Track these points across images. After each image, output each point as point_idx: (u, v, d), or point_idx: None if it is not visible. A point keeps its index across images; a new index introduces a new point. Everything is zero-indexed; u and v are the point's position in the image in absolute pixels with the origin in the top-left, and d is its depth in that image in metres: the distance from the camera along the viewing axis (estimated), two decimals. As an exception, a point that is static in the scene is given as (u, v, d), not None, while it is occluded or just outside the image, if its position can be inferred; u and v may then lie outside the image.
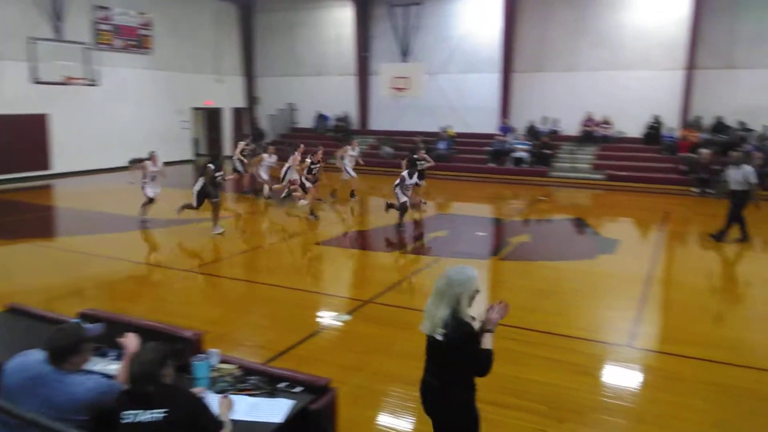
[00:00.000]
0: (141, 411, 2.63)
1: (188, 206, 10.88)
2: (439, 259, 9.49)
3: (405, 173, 11.34)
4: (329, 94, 25.14)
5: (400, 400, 4.93)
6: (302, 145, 14.04)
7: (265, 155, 14.66)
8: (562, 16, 20.98)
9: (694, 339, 6.31)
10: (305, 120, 25.89)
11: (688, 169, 17.37)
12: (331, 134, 24.41)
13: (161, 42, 22.09)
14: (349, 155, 14.93)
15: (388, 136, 22.51)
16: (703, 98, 19.19)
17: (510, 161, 20.12)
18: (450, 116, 22.48)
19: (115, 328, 3.66)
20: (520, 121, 21.57)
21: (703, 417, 4.70)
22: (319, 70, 25.43)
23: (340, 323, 6.72)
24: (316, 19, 25.22)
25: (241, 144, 16.42)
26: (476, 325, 3.16)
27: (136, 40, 21.16)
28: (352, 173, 14.84)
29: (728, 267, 9.73)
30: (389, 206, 11.55)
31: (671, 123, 19.40)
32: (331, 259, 9.86)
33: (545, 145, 20.00)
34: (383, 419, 4.70)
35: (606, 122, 20.31)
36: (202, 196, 10.70)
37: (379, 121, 24.64)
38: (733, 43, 18.82)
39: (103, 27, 19.93)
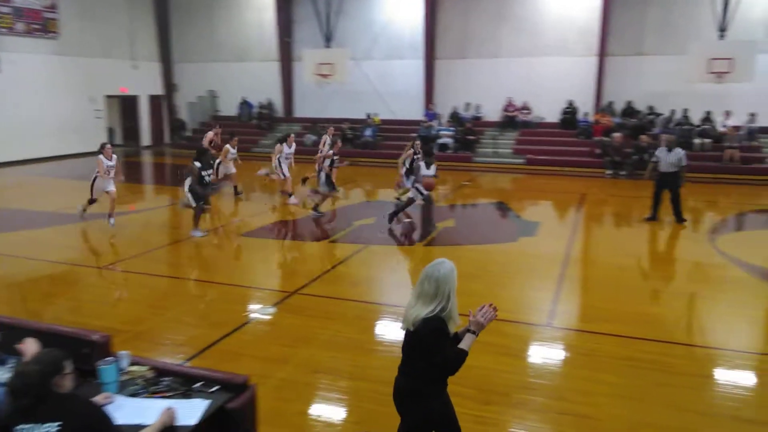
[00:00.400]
0: (33, 425, 2.44)
1: (188, 206, 9.99)
2: (366, 246, 9.48)
3: (422, 163, 10.19)
4: (252, 81, 24.52)
5: (326, 391, 4.90)
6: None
7: (284, 145, 13.09)
8: (484, 3, 21.33)
9: (608, 316, 6.61)
10: (228, 108, 25.16)
11: (602, 152, 18.18)
12: (256, 122, 23.87)
13: (69, 25, 20.79)
14: (285, 154, 13.10)
15: (314, 124, 22.22)
16: (615, 84, 20.08)
17: (435, 147, 20.34)
18: (376, 103, 22.47)
19: (16, 333, 3.41)
20: (444, 108, 21.84)
21: (615, 390, 4.93)
22: (240, 55, 24.74)
23: (265, 316, 6.59)
24: (236, 1, 24.48)
25: (210, 134, 14.65)
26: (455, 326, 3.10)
27: (40, 24, 19.79)
28: (287, 173, 13.07)
29: (641, 246, 10.21)
30: (407, 204, 10.53)
31: (586, 108, 20.19)
32: (258, 250, 9.64)
33: (469, 131, 20.36)
34: (310, 411, 4.64)
35: (526, 108, 20.90)
36: (195, 194, 9.73)
37: (304, 109, 24.29)
38: (642, 31, 19.78)
39: (2, 10, 18.52)
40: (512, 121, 20.80)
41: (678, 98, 18.85)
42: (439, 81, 22.44)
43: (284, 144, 13.21)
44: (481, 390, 4.84)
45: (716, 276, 8.46)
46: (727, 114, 18.33)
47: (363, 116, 21.92)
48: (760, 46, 17.62)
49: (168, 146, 25.39)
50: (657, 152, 11.14)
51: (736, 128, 17.94)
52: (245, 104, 24.57)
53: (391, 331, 6.15)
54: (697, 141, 18.09)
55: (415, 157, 11.87)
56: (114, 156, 10.44)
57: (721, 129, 18.18)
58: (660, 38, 19.53)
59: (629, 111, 19.62)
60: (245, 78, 24.57)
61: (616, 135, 17.95)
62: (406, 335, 3.10)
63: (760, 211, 13.07)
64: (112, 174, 10.34)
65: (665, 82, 19.08)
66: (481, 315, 3.06)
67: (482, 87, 21.53)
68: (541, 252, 9.36)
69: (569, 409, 4.64)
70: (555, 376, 5.33)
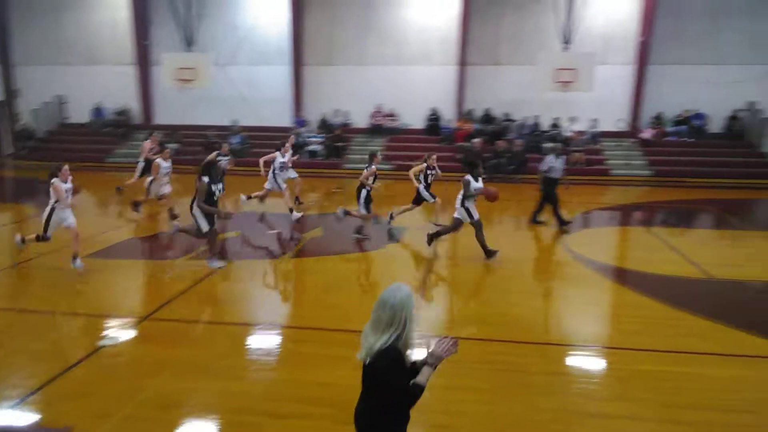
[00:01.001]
0: None
1: (188, 231, 8.85)
2: (227, 262, 9.05)
3: (469, 178, 8.89)
4: (106, 86, 22.85)
5: (177, 429, 4.52)
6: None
7: (277, 153, 11.92)
8: (349, 12, 21.53)
9: (470, 319, 6.80)
10: (79, 114, 23.21)
11: (464, 157, 18.98)
12: (110, 129, 22.21)
13: None
14: (279, 163, 11.94)
15: (174, 131, 21.09)
16: (474, 92, 21.12)
17: (304, 154, 20.13)
18: (243, 109, 21.83)
19: None
20: (313, 114, 21.71)
21: (479, 396, 5.02)
22: (92, 58, 22.97)
23: (111, 346, 6.01)
24: (85, 0, 22.66)
25: (147, 144, 13.11)
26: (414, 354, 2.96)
27: None
28: (283, 186, 12.01)
29: (501, 247, 10.65)
30: (453, 228, 9.33)
31: (449, 115, 21.02)
32: (108, 271, 8.84)
33: (338, 137, 20.38)
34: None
35: (392, 115, 21.33)
36: (208, 216, 8.43)
37: (165, 115, 23.04)
38: (498, 42, 20.99)
39: None
40: (380, 127, 21.12)
41: (530, 106, 20.21)
42: (308, 87, 22.29)
43: (278, 152, 12.01)
44: (339, 408, 4.69)
45: (566, 274, 9.05)
46: (573, 120, 19.93)
47: (229, 123, 21.21)
48: (599, 58, 19.36)
49: (11, 157, 22.88)
50: (548, 160, 11.70)
51: (581, 133, 19.56)
52: (98, 110, 22.78)
53: (255, 352, 5.87)
54: (546, 145, 19.43)
55: (429, 172, 11.30)
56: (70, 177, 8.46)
57: (567, 134, 19.71)
58: (513, 49, 20.83)
59: (487, 118, 20.69)
60: (98, 82, 22.83)
61: (477, 140, 18.83)
62: (363, 366, 2.91)
63: (602, 209, 14.24)
64: (70, 200, 8.36)
65: (519, 90, 20.36)
66: (441, 348, 2.93)
67: (350, 94, 21.70)
68: (407, 258, 9.51)
69: (434, 420, 4.62)
70: (418, 386, 5.35)
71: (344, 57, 21.90)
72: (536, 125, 20.12)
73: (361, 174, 10.47)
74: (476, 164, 9.20)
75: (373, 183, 10.47)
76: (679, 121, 20.40)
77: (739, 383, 5.37)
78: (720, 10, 19.90)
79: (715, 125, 20.42)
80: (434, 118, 21.05)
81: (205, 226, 8.44)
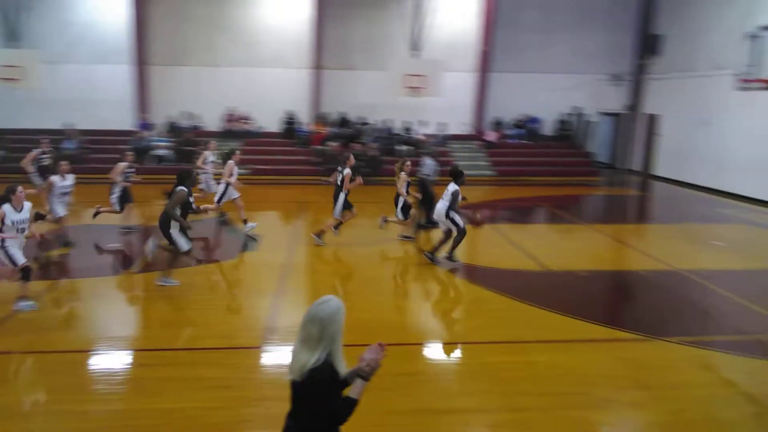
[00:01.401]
0: None
1: (168, 248, 7.92)
2: (58, 282, 8.25)
3: (457, 188, 8.91)
4: None
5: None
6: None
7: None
8: (199, 11, 20.70)
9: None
10: None
11: (320, 161, 19.03)
12: None
13: None
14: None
15: (1, 135, 18.86)
16: (330, 95, 21.25)
17: (151, 159, 18.96)
18: (80, 111, 20.03)
19: None
20: (160, 117, 20.53)
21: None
22: None
23: None
24: None
25: (33, 153, 12.16)
26: (343, 369, 2.82)
27: None
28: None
29: (360, 250, 10.79)
30: (460, 238, 9.08)
31: (305, 118, 20.97)
32: None
33: (188, 141, 19.43)
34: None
35: (246, 118, 20.81)
36: (185, 233, 7.70)
37: (-14, 118, 20.50)
38: (351, 47, 21.30)
39: None
40: (233, 131, 20.51)
41: (383, 109, 20.75)
42: (154, 89, 21.04)
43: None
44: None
45: (419, 274, 9.38)
46: (423, 124, 20.79)
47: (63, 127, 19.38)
48: (446, 65, 20.35)
49: None
50: (427, 163, 12.28)
51: (431, 136, 20.45)
52: None
53: (92, 382, 5.39)
54: (400, 148, 20.10)
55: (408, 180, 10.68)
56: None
57: (418, 137, 20.51)
58: (366, 54, 21.27)
59: (343, 121, 20.92)
60: None
61: (332, 144, 18.96)
62: (292, 385, 2.77)
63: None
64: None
65: (372, 94, 20.80)
66: (372, 358, 2.83)
67: (201, 96, 20.85)
68: (262, 267, 9.29)
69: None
70: (275, 403, 5.22)
71: (194, 57, 20.96)
72: (389, 129, 20.71)
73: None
74: (461, 174, 9.19)
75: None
76: (517, 125, 22.10)
77: (568, 366, 5.90)
78: (550, 24, 21.86)
79: (549, 128, 22.41)
80: (290, 122, 20.87)
81: (183, 245, 7.71)
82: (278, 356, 6.00)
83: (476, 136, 21.76)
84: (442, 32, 21.13)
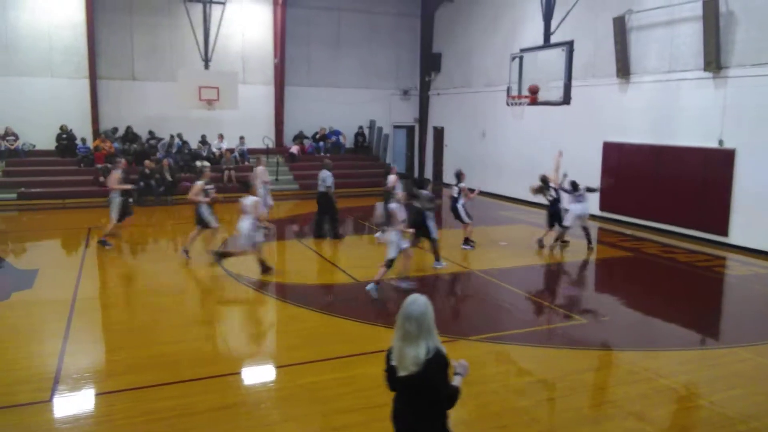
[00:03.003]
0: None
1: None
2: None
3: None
4: None
5: None
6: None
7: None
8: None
9: (122, 368, 6.07)
10: None
11: (106, 180, 17.28)
12: None
13: None
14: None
15: None
16: (112, 108, 19.44)
17: None
18: None
19: None
20: None
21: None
22: None
23: None
24: None
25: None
26: None
27: None
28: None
29: (156, 277, 9.93)
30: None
31: (84, 133, 18.89)
32: None
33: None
34: None
35: (11, 134, 18.11)
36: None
37: None
38: (132, 56, 19.70)
39: None
40: (-6, 149, 17.73)
41: (175, 123, 19.57)
42: None
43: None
44: None
45: (225, 297, 8.92)
46: (221, 137, 20.03)
47: None
48: (241, 77, 19.89)
49: None
50: (325, 175, 12.32)
51: (230, 150, 19.78)
52: None
53: None
54: (198, 164, 19.09)
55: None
56: None
57: (216, 152, 19.72)
58: (151, 64, 19.88)
59: (130, 136, 19.29)
60: None
61: (120, 161, 17.25)
62: (407, 379, 3.03)
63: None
64: None
65: (161, 107, 19.52)
66: (464, 363, 3.25)
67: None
68: (41, 306, 8.06)
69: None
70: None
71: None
72: (183, 143, 19.58)
73: None
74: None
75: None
76: (319, 138, 22.38)
77: (381, 377, 5.97)
78: (340, 40, 22.57)
79: (350, 141, 23.09)
80: (66, 138, 18.60)
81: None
82: (70, 408, 5.20)
83: (278, 150, 21.55)
84: (234, 43, 20.66)
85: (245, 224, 9.30)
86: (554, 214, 11.83)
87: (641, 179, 13.96)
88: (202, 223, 10.50)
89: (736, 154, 12.19)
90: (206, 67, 18.53)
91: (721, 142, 12.44)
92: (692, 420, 5.37)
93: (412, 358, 2.99)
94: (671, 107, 13.57)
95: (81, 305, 8.09)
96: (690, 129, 13.14)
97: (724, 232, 12.47)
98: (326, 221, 12.61)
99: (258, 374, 6.16)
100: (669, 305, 8.85)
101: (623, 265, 11.32)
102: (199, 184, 10.50)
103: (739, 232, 12.23)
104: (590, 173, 15.29)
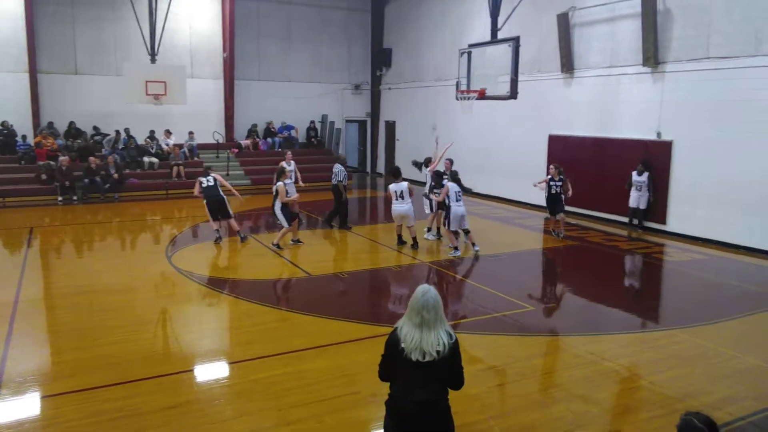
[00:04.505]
0: None
1: None
2: None
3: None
4: None
5: None
6: None
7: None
8: None
9: (68, 370, 5.94)
10: None
11: (49, 178, 16.71)
12: None
13: None
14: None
15: None
16: (53, 103, 18.79)
17: None
18: None
19: None
20: None
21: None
22: None
23: None
24: None
25: None
26: None
27: None
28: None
29: (103, 275, 9.66)
30: None
31: (25, 130, 18.18)
32: None
33: None
34: None
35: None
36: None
37: None
38: (74, 49, 19.06)
39: None
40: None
41: (121, 118, 19.06)
42: None
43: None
44: None
45: (176, 294, 8.79)
46: (169, 133, 19.61)
47: None
48: (189, 71, 19.50)
49: None
50: (337, 170, 12.81)
51: (179, 146, 19.39)
52: None
53: None
54: (146, 160, 18.69)
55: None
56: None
57: (165, 147, 19.30)
58: (93, 58, 19.30)
59: (74, 132, 18.67)
60: None
61: (63, 158, 16.78)
62: (424, 365, 3.19)
63: (206, 221, 14.28)
64: None
65: (106, 102, 19.00)
66: None
67: None
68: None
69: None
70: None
71: None
72: (130, 139, 19.07)
73: None
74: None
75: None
76: (270, 133, 22.15)
77: (336, 369, 6.05)
78: (291, 34, 22.39)
79: (302, 136, 22.93)
80: (6, 134, 17.85)
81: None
82: (14, 413, 5.06)
83: (228, 144, 21.22)
84: (182, 36, 20.27)
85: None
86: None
87: (584, 170, 14.43)
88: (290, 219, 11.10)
89: (673, 145, 12.75)
90: (153, 60, 18.04)
91: (659, 134, 12.99)
92: (634, 400, 5.63)
93: (433, 343, 3.19)
94: (613, 101, 14.07)
95: (23, 307, 7.86)
96: (630, 122, 13.66)
97: (663, 220, 13.04)
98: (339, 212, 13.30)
99: (210, 371, 6.12)
100: (611, 291, 9.23)
101: (569, 254, 11.69)
102: (281, 184, 11.07)
103: (677, 220, 12.81)
104: (537, 166, 15.73)
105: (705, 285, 9.71)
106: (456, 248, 10.79)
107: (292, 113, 22.55)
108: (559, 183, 12.18)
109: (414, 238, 11.30)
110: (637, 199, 13.11)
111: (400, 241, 11.53)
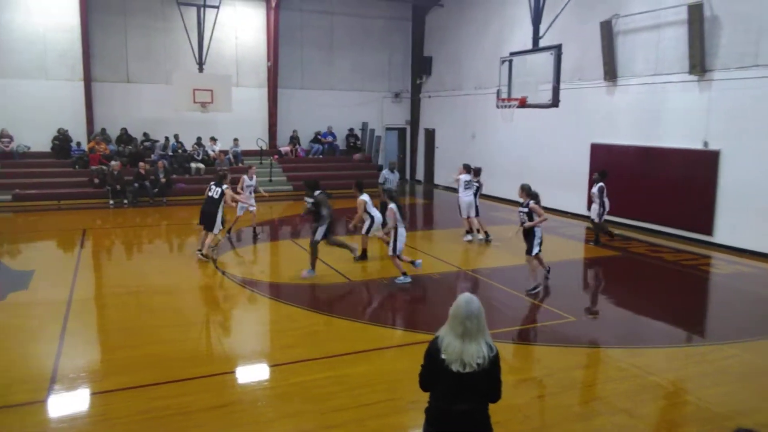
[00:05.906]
0: None
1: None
2: None
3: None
4: None
5: None
6: None
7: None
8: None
9: (118, 368, 6.16)
10: None
11: (101, 182, 17.34)
12: None
13: None
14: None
15: None
16: (106, 110, 19.48)
17: None
18: None
19: None
20: None
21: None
22: None
23: None
24: None
25: None
26: None
27: None
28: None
29: (151, 278, 9.98)
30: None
31: (79, 136, 18.94)
32: None
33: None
34: None
35: (6, 136, 18.11)
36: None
37: None
38: (127, 59, 19.74)
39: None
40: (-13, 151, 17.73)
41: (170, 125, 19.64)
42: None
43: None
44: None
45: (222, 297, 9.03)
46: (214, 140, 20.11)
47: None
48: (234, 80, 19.99)
49: None
50: (384, 173, 13.28)
51: (224, 152, 19.87)
52: None
53: None
54: (193, 165, 19.21)
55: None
56: None
57: (211, 153, 19.80)
58: (145, 67, 19.93)
59: (125, 138, 19.34)
60: None
61: (115, 163, 17.41)
62: (465, 376, 3.16)
63: (249, 226, 14.48)
64: None
65: (156, 109, 19.58)
66: None
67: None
68: (36, 307, 8.14)
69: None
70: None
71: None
72: (178, 145, 19.65)
73: None
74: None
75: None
76: (313, 140, 22.49)
77: (377, 374, 6.13)
78: (333, 43, 22.70)
79: (343, 143, 23.21)
80: (61, 139, 18.63)
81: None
82: (66, 408, 5.30)
83: (271, 151, 21.63)
84: (228, 46, 20.77)
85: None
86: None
87: (628, 180, 14.15)
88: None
89: (720, 155, 12.42)
90: (200, 70, 18.60)
91: (705, 144, 12.67)
92: (680, 416, 5.51)
93: (474, 355, 3.15)
94: (657, 109, 13.79)
95: (77, 306, 8.18)
96: (676, 130, 13.36)
97: (709, 231, 12.69)
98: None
99: (253, 373, 6.27)
100: (656, 303, 9.03)
101: (611, 264, 11.50)
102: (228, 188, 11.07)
103: (724, 232, 12.45)
104: (579, 174, 15.51)
105: (754, 299, 9.41)
106: (405, 274, 9.62)
107: (333, 121, 22.84)
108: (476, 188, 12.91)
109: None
110: (593, 211, 12.54)
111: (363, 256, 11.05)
